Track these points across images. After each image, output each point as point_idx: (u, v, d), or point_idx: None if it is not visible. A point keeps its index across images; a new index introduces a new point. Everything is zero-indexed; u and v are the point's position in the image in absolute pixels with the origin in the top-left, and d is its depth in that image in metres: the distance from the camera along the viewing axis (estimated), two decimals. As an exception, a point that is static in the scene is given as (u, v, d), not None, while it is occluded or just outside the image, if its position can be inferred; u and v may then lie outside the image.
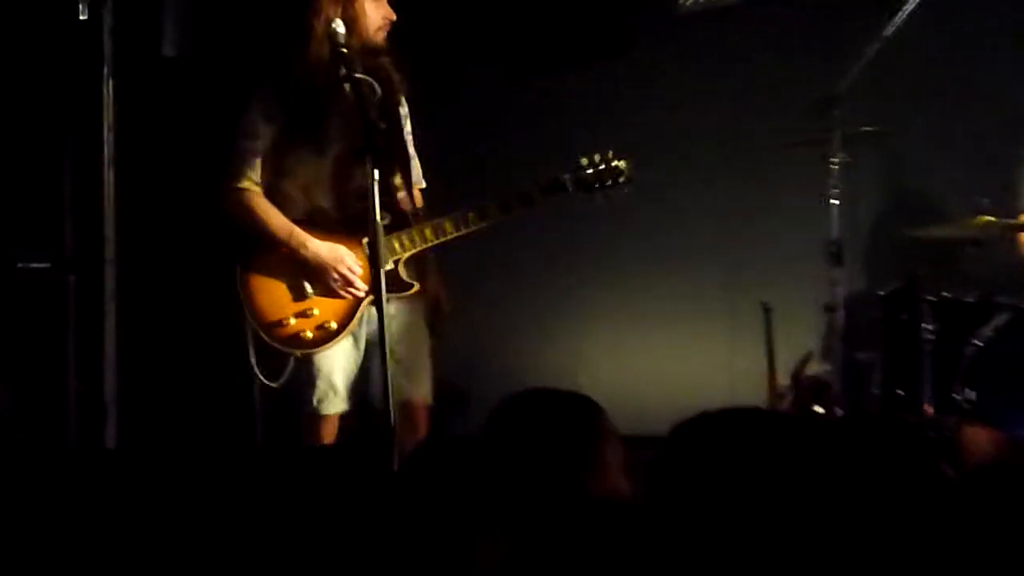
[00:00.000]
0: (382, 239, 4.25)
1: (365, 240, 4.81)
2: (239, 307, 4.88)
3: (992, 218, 5.65)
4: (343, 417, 4.96)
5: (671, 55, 6.89)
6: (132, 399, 6.48)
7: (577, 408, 3.21)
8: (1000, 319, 5.59)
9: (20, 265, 6.09)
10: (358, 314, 4.88)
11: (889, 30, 5.64)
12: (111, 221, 6.44)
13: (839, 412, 5.79)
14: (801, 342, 6.36)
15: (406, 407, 4.79)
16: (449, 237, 4.92)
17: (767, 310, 6.23)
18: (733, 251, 6.85)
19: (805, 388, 6.11)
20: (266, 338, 4.83)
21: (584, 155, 5.02)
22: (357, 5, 4.86)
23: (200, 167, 6.53)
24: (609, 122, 6.81)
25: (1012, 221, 5.70)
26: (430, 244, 4.93)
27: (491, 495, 2.87)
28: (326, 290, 4.87)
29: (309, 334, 4.84)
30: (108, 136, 6.44)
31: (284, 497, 3.48)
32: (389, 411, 4.12)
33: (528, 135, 6.75)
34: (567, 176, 4.98)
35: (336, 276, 4.83)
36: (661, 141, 6.66)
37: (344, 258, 4.83)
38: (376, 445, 4.26)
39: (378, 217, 4.22)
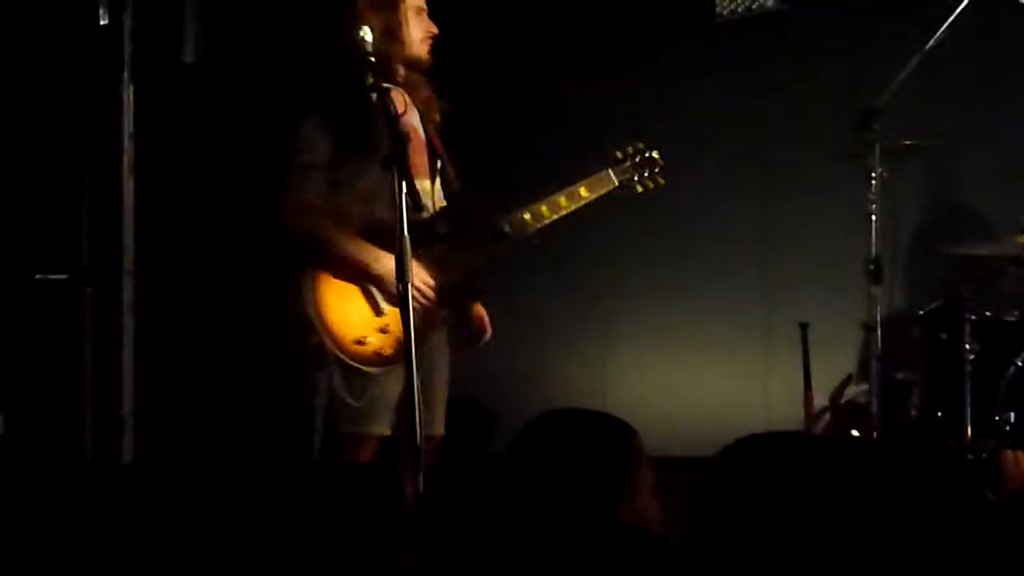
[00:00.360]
0: (408, 252, 4.28)
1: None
2: (306, 325, 4.82)
3: None
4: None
5: (706, 64, 6.90)
6: (149, 413, 6.51)
7: (609, 430, 3.19)
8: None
9: (37, 277, 6.12)
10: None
11: (930, 42, 5.66)
12: (130, 231, 6.47)
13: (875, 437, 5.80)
14: (838, 361, 6.36)
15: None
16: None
17: (804, 328, 6.21)
18: (768, 267, 6.85)
19: (842, 413, 6.11)
20: (346, 357, 4.80)
21: (617, 148, 5.09)
22: (400, 16, 4.88)
23: (222, 175, 6.58)
24: (641, 132, 6.81)
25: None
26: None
27: (515, 519, 2.87)
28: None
29: (389, 350, 4.82)
30: (127, 144, 6.47)
31: (303, 515, 3.49)
32: (416, 431, 4.15)
33: (558, 142, 6.76)
34: (608, 171, 5.06)
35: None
36: (694, 153, 6.67)
37: (417, 271, 4.81)
38: (396, 468, 4.28)
39: (405, 230, 4.25)
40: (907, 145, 5.95)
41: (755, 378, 6.76)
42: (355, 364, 4.77)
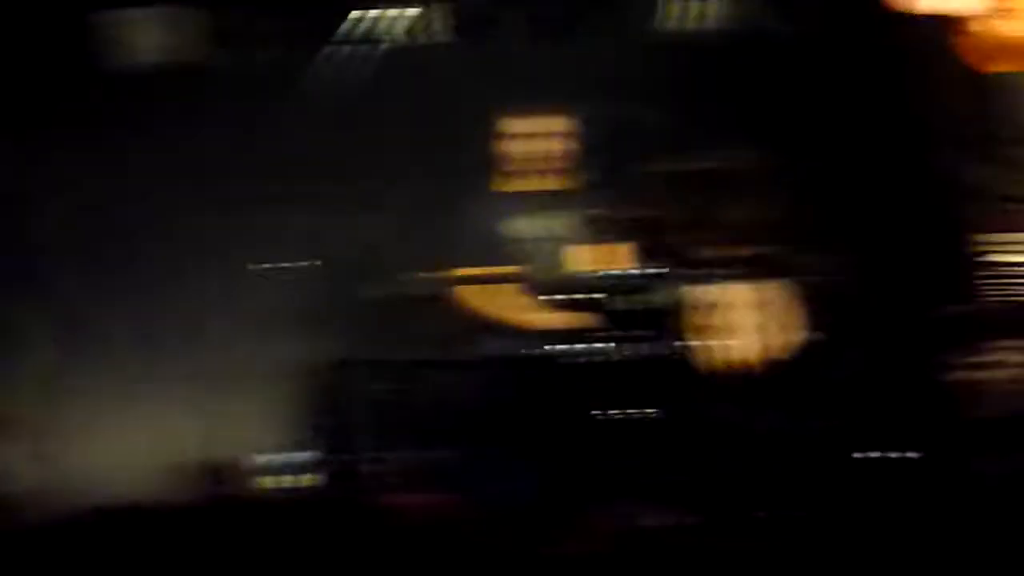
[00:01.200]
0: None
1: None
2: None
3: (435, 273, 5.90)
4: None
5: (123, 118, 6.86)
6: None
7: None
8: (436, 374, 5.87)
9: None
10: None
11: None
12: None
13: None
14: (254, 413, 6.43)
15: None
16: None
17: (210, 380, 6.26)
18: (174, 325, 6.81)
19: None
20: None
21: None
22: None
23: None
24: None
25: (451, 274, 5.97)
26: None
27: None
28: None
29: None
30: None
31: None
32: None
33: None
34: None
35: None
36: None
37: None
38: None
39: None
40: (325, 194, 6.11)
41: (161, 435, 6.73)
42: None
